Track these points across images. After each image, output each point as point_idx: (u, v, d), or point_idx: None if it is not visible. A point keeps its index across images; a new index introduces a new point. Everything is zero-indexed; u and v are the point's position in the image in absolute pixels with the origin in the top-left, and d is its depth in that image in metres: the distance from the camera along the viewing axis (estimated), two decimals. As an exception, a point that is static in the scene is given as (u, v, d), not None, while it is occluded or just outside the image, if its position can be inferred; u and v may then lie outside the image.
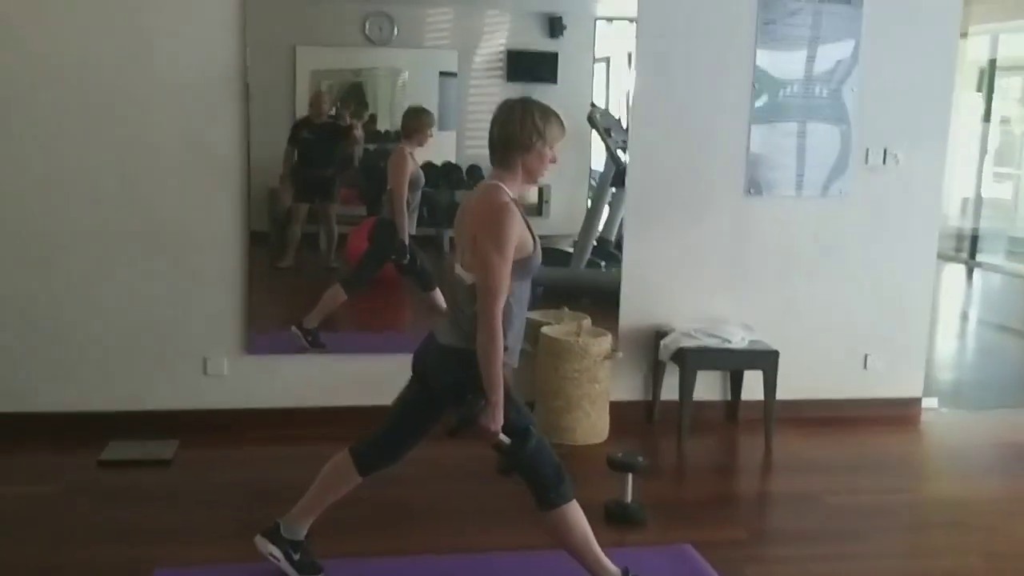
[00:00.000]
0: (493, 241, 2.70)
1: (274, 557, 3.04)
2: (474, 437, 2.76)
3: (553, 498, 2.85)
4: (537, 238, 2.84)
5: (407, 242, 4.76)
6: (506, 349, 2.75)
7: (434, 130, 4.80)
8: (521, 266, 2.77)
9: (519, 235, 2.73)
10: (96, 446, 4.18)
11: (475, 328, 2.74)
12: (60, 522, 3.52)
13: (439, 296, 4.84)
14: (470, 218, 2.81)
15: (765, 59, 4.77)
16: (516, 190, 2.82)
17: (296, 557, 3.05)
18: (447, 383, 2.86)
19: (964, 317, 8.76)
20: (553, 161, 2.84)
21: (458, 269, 2.86)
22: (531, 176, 2.84)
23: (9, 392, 4.33)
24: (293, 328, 4.67)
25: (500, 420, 2.73)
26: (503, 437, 2.77)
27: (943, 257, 10.30)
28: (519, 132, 2.77)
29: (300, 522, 3.07)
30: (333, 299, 4.75)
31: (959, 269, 10.59)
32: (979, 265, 10.53)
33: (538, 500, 2.87)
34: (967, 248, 10.78)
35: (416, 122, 4.76)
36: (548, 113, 2.81)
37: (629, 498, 3.70)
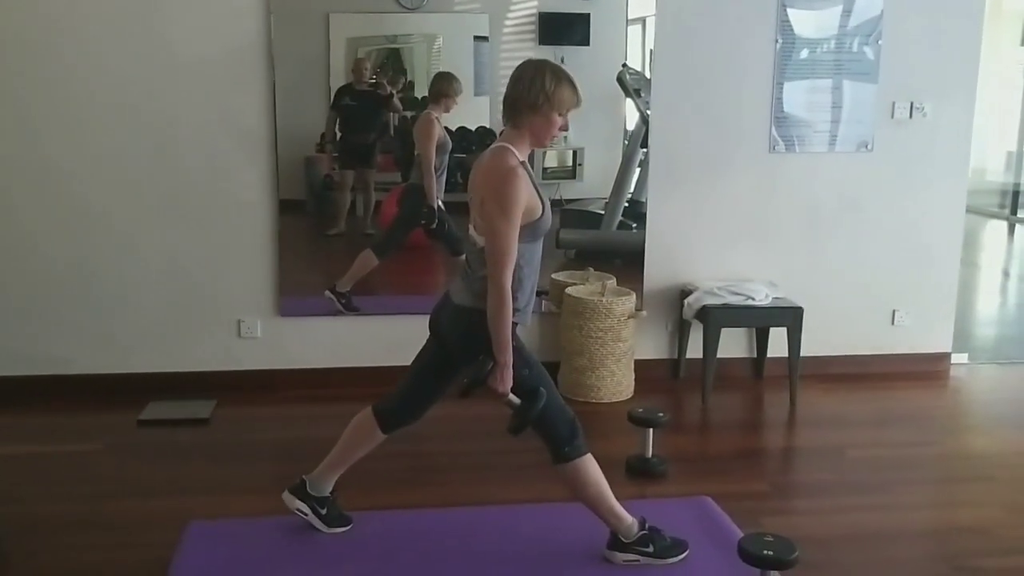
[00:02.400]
0: (499, 206, 2.69)
1: (301, 512, 3.15)
2: (486, 396, 2.82)
3: (568, 452, 2.91)
4: (547, 200, 2.84)
5: (436, 207, 4.82)
6: (517, 311, 2.79)
7: (460, 97, 4.84)
8: (530, 229, 2.77)
9: (526, 199, 2.72)
10: (136, 407, 4.34)
11: (485, 286, 2.77)
12: (100, 478, 3.67)
13: None
14: (479, 180, 2.82)
15: (796, 16, 4.74)
16: (524, 152, 2.81)
17: (323, 511, 3.16)
18: (460, 342, 2.91)
19: (1005, 274, 8.65)
20: (563, 129, 2.81)
21: (471, 231, 2.88)
22: (537, 140, 2.82)
23: (51, 356, 4.50)
24: (327, 292, 4.78)
25: (509, 381, 2.77)
26: (513, 397, 2.82)
27: (984, 213, 10.18)
28: (527, 93, 2.74)
29: (326, 479, 3.17)
30: (364, 264, 4.84)
31: (1000, 225, 10.42)
32: (1021, 221, 10.35)
33: (553, 454, 2.93)
34: (1009, 204, 10.59)
35: (444, 87, 4.79)
36: (561, 77, 2.77)
37: (650, 453, 3.76)
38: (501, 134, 2.87)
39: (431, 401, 3.10)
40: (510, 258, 2.70)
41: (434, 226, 4.85)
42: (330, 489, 3.17)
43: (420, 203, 4.81)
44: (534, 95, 2.73)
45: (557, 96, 2.74)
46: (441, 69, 5.02)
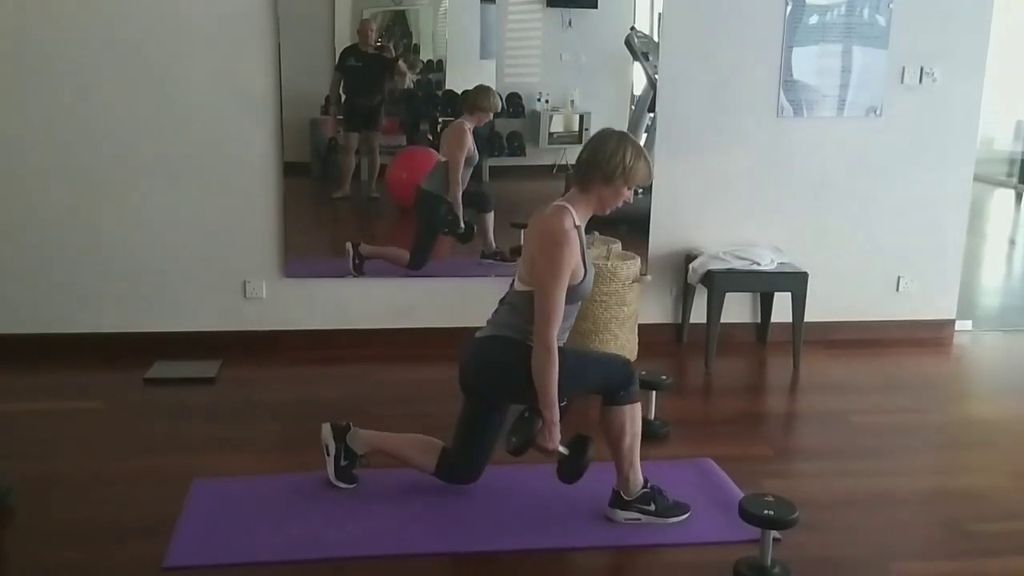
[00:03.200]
0: (549, 268, 2.80)
1: (327, 449, 3.20)
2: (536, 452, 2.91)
3: (623, 396, 2.97)
4: (591, 267, 2.97)
5: (461, 214, 4.79)
6: None
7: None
8: (570, 292, 2.86)
9: (574, 264, 2.83)
10: (142, 366, 4.36)
11: (508, 317, 2.94)
12: (106, 435, 3.70)
13: (490, 220, 4.94)
14: (535, 236, 2.90)
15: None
16: (583, 215, 2.90)
17: (344, 463, 3.21)
18: (482, 370, 3.00)
19: (1011, 242, 8.63)
20: (628, 201, 2.91)
21: (515, 277, 2.99)
22: (602, 207, 2.91)
23: (59, 314, 4.52)
24: (348, 244, 4.75)
25: (557, 437, 2.87)
26: (562, 449, 2.92)
27: (992, 182, 10.14)
28: (605, 163, 2.82)
29: (367, 443, 3.21)
30: (396, 258, 4.82)
31: (1008, 194, 10.37)
32: (1029, 190, 10.31)
33: (607, 397, 2.99)
34: (1017, 173, 10.53)
35: (482, 100, 4.77)
36: (640, 155, 2.85)
37: (653, 415, 3.78)
38: (565, 193, 2.95)
39: (485, 455, 3.16)
40: (557, 317, 2.83)
41: (461, 232, 4.84)
42: (363, 451, 3.22)
43: (438, 209, 4.79)
44: (612, 167, 2.83)
45: (633, 172, 2.85)
46: (447, 31, 4.98)
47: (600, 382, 2.99)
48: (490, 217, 4.92)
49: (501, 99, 4.91)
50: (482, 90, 4.79)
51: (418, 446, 3.20)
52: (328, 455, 3.20)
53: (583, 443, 2.94)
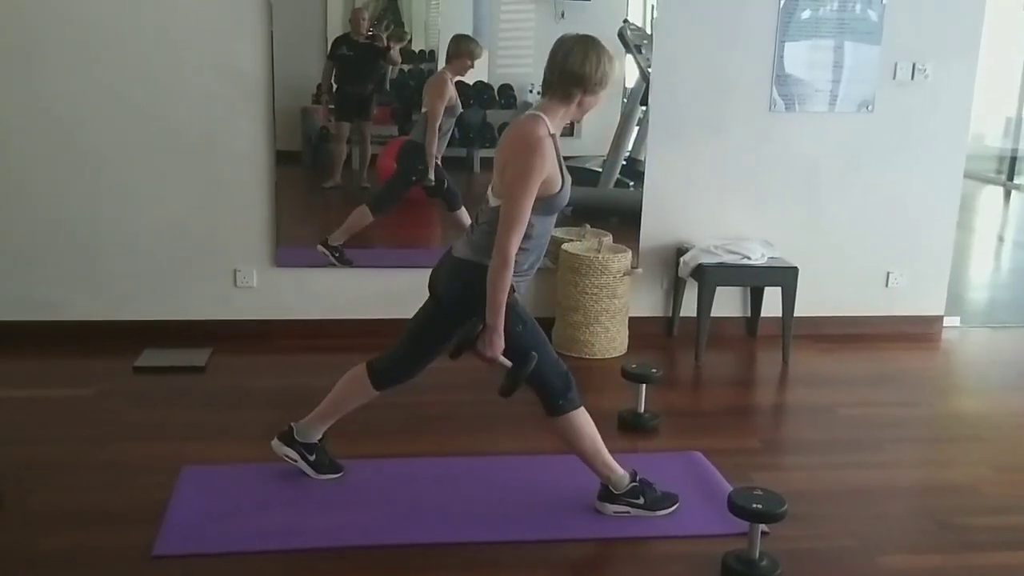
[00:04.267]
0: (519, 174, 2.70)
1: (290, 459, 3.19)
2: (475, 358, 2.83)
3: (562, 404, 2.94)
4: (567, 177, 2.85)
5: (433, 165, 4.79)
6: (516, 276, 2.79)
7: (478, 61, 4.80)
8: (545, 202, 2.78)
9: (548, 172, 2.74)
10: (131, 353, 4.35)
11: (485, 240, 2.79)
12: (96, 422, 3.69)
13: (465, 216, 4.89)
14: (506, 145, 2.83)
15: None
16: (559, 124, 2.82)
17: (312, 458, 3.20)
18: (455, 294, 2.92)
19: (999, 239, 8.67)
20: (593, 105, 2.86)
21: (489, 190, 2.88)
22: (580, 114, 2.85)
23: (48, 301, 4.51)
24: (319, 247, 4.77)
25: (499, 345, 2.78)
26: (503, 360, 2.83)
27: (981, 179, 10.18)
28: (590, 72, 2.74)
29: (314, 427, 3.20)
30: (359, 219, 4.82)
31: (997, 191, 10.42)
32: (1017, 187, 10.35)
33: (547, 407, 2.96)
34: (1006, 170, 10.58)
35: (463, 48, 4.73)
36: (613, 57, 2.80)
37: (643, 408, 3.79)
38: (538, 104, 2.86)
39: (426, 361, 3.11)
40: (520, 225, 2.72)
41: (430, 183, 4.83)
42: (318, 437, 3.20)
43: (418, 160, 4.79)
44: (591, 72, 2.74)
45: (610, 75, 2.78)
46: (441, 23, 4.96)
47: (543, 366, 2.88)
48: (462, 214, 4.89)
49: (490, 89, 4.90)
50: (461, 37, 4.76)
51: (350, 387, 3.15)
52: (296, 462, 3.20)
53: (525, 358, 2.83)
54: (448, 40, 4.76)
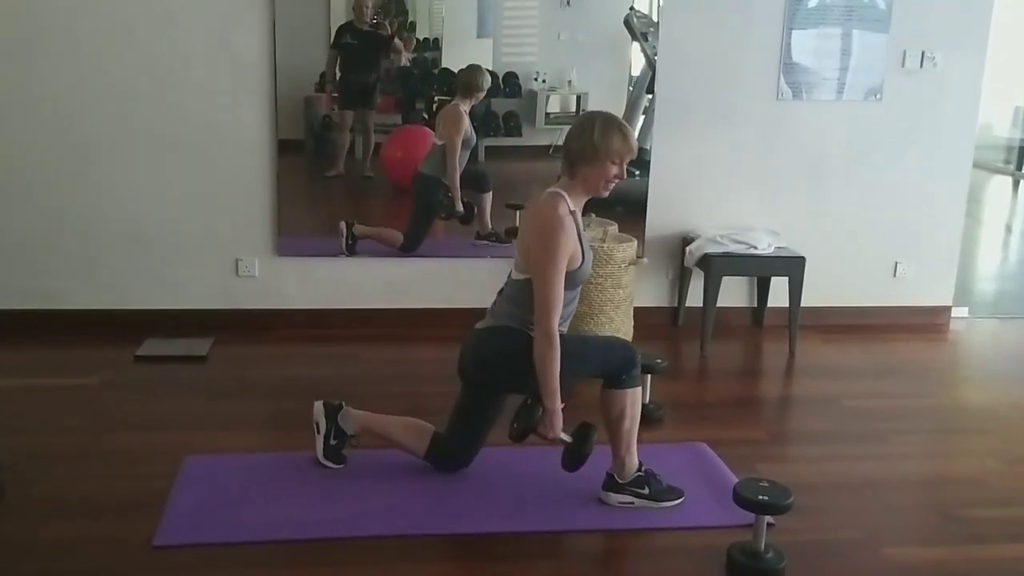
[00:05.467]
0: (546, 255, 2.79)
1: (317, 427, 3.18)
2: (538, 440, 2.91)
3: (625, 379, 2.96)
4: (588, 251, 2.95)
5: (459, 196, 4.76)
6: None
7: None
8: (569, 277, 2.86)
9: (571, 249, 2.82)
10: (133, 342, 4.33)
11: (507, 307, 2.94)
12: (98, 412, 3.67)
13: (488, 198, 4.92)
14: (529, 224, 2.90)
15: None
16: (579, 200, 2.90)
17: (333, 442, 3.19)
18: (481, 360, 3.00)
19: (1007, 229, 8.62)
20: (619, 177, 2.87)
21: (513, 265, 2.98)
22: (591, 189, 2.89)
23: (50, 291, 4.49)
24: (343, 223, 4.71)
25: (559, 426, 2.86)
26: (564, 436, 2.90)
27: (989, 169, 10.12)
28: (577, 143, 2.83)
29: (359, 424, 3.19)
30: (388, 238, 4.78)
31: (1005, 181, 10.36)
32: (1026, 177, 10.31)
33: (609, 380, 2.98)
34: (1015, 160, 10.52)
35: (474, 81, 4.72)
36: (610, 127, 2.82)
37: (648, 399, 3.76)
38: (559, 179, 2.95)
39: (478, 444, 3.16)
40: (557, 304, 2.82)
41: (459, 216, 4.81)
42: (354, 431, 3.20)
43: (435, 193, 4.75)
44: (583, 145, 2.82)
45: (605, 146, 2.82)
46: (444, 9, 4.93)
47: (601, 367, 2.98)
48: (488, 197, 4.88)
49: (495, 77, 4.88)
50: (472, 70, 4.75)
51: (410, 430, 3.18)
52: (318, 432, 3.19)
53: (586, 431, 2.93)
54: (455, 29, 4.73)
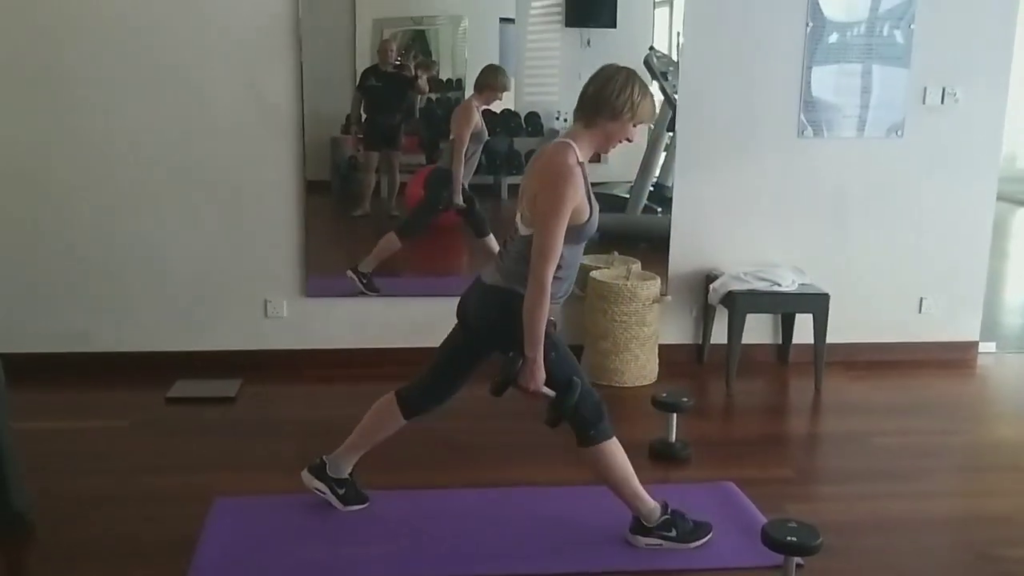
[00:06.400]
0: (551, 203, 2.71)
1: (319, 491, 3.20)
2: (518, 393, 2.84)
3: (593, 435, 2.92)
4: (596, 205, 2.86)
5: (460, 190, 4.81)
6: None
7: (506, 93, 4.84)
8: (574, 232, 2.79)
9: (578, 200, 2.75)
10: (163, 384, 4.37)
11: (517, 267, 2.80)
12: (128, 454, 3.71)
13: (493, 242, 4.90)
14: (535, 173, 2.83)
15: (827, 0, 4.69)
16: (587, 152, 2.84)
17: (341, 492, 3.20)
18: (485, 321, 2.93)
19: (1034, 263, 8.54)
20: (630, 140, 2.86)
21: (517, 217, 2.90)
22: (606, 144, 2.85)
23: (82, 333, 4.55)
24: (349, 272, 4.79)
25: (540, 377, 2.79)
26: (546, 390, 2.83)
27: (1014, 201, 10.04)
28: (614, 98, 2.76)
29: (345, 460, 3.20)
30: (387, 246, 4.84)
31: (1031, 214, 10.27)
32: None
33: (579, 437, 2.94)
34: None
35: (491, 79, 4.77)
36: (647, 92, 2.81)
37: (674, 437, 3.75)
38: (567, 131, 2.89)
39: (455, 388, 3.12)
40: (555, 254, 2.73)
41: (458, 207, 4.84)
42: (349, 471, 3.21)
43: (445, 186, 4.81)
44: (622, 103, 2.76)
45: (641, 108, 2.79)
46: (468, 52, 5.00)
47: (577, 395, 2.86)
48: (490, 240, 4.90)
49: (516, 117, 4.94)
50: (491, 68, 4.81)
51: (379, 417, 3.15)
52: (324, 494, 3.20)
53: (569, 387, 2.83)
54: (478, 70, 4.80)
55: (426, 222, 4.95)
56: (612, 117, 2.77)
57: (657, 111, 2.83)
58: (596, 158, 5.14)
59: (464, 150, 4.76)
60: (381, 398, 3.17)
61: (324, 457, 3.21)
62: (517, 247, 2.85)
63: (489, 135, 4.89)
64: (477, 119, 4.77)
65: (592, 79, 2.82)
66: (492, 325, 2.90)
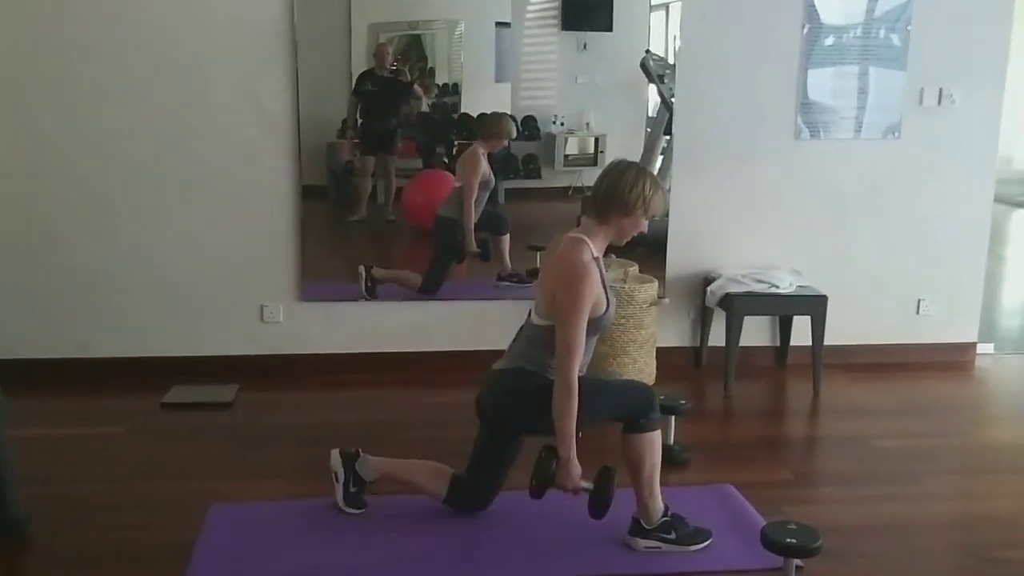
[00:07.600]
0: (570, 303, 2.79)
1: (336, 476, 3.19)
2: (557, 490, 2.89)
3: (643, 424, 2.94)
4: (612, 298, 2.96)
5: (472, 236, 4.80)
6: None
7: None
8: (592, 324, 2.86)
9: (595, 296, 2.83)
10: (159, 390, 4.36)
11: (526, 349, 2.97)
12: (124, 460, 3.69)
13: (506, 241, 4.94)
14: (552, 270, 2.91)
15: (823, 2, 4.68)
16: (601, 246, 2.92)
17: (352, 490, 3.19)
18: (502, 404, 3.00)
19: (1031, 264, 8.54)
20: (644, 232, 2.92)
21: (532, 310, 3.00)
22: (620, 238, 2.93)
23: (76, 339, 4.53)
24: (361, 268, 4.74)
25: (576, 474, 2.84)
26: (584, 484, 2.88)
27: (1011, 203, 10.05)
28: (627, 194, 2.83)
29: (377, 470, 3.20)
30: (407, 280, 4.81)
31: (1028, 215, 10.29)
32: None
33: (628, 425, 2.96)
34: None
35: (497, 127, 4.79)
36: (658, 186, 2.89)
37: (672, 440, 3.74)
38: (579, 224, 2.97)
39: (499, 484, 3.16)
40: (579, 351, 2.81)
41: (474, 254, 4.85)
42: (373, 478, 3.21)
43: (454, 235, 4.79)
44: (633, 199, 2.84)
45: (652, 203, 2.87)
46: (463, 55, 4.99)
47: (619, 410, 2.97)
48: (506, 240, 4.92)
49: (517, 124, 4.93)
50: (497, 117, 4.81)
51: (428, 473, 3.18)
52: (337, 482, 3.19)
53: (606, 475, 2.90)
54: (474, 74, 4.79)
55: (444, 276, 4.87)
56: (625, 213, 2.86)
57: (668, 205, 2.90)
58: (592, 161, 5.25)
59: (474, 198, 4.75)
60: (443, 465, 3.19)
61: (362, 452, 3.21)
62: (528, 332, 2.99)
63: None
64: (484, 167, 4.76)
65: (604, 175, 2.92)
66: (503, 400, 2.99)
